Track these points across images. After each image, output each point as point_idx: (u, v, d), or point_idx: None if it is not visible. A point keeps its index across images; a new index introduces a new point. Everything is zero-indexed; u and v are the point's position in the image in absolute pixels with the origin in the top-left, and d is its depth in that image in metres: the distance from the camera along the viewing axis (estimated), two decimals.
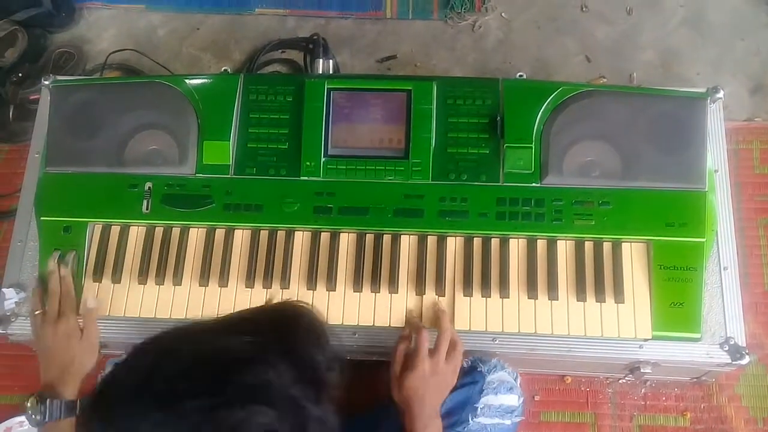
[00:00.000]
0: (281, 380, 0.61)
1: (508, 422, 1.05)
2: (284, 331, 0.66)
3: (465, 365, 1.10)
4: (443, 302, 1.13)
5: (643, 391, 1.33)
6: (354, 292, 1.15)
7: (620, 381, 1.32)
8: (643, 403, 1.33)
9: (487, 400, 1.04)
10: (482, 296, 1.13)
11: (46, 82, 1.30)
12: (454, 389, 1.05)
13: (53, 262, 1.15)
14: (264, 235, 1.19)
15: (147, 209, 1.20)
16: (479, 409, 1.03)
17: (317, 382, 0.65)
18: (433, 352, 1.02)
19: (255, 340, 0.64)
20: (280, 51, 1.69)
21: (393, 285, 1.14)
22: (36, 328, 1.09)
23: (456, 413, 1.04)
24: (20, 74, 1.64)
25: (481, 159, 1.18)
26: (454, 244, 1.17)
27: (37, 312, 1.10)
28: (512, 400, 1.05)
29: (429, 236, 1.17)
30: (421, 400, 0.98)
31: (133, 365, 0.65)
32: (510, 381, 1.07)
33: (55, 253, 1.17)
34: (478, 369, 1.08)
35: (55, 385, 1.01)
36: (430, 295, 1.14)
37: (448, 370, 1.02)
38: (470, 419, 1.03)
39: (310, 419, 0.62)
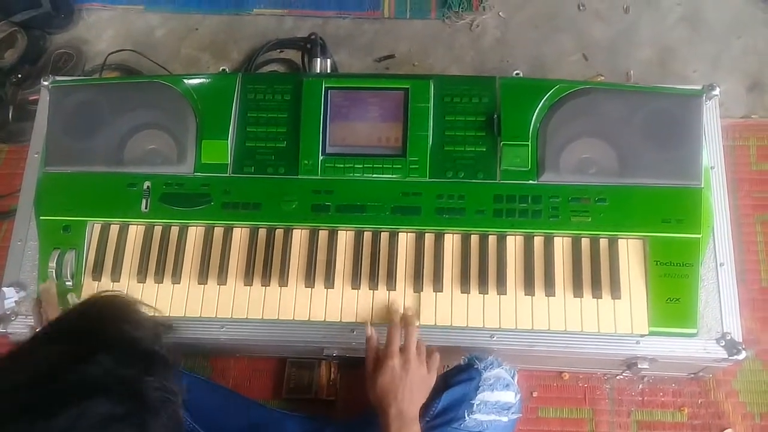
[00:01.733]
0: (102, 368, 0.61)
1: (504, 419, 1.04)
2: (91, 322, 0.66)
3: (462, 362, 1.11)
4: (441, 299, 1.14)
5: (640, 387, 1.33)
6: (352, 289, 1.15)
7: (618, 377, 1.32)
8: (640, 398, 1.33)
9: (484, 396, 1.04)
10: (479, 293, 1.14)
11: (46, 83, 1.30)
12: (450, 386, 1.05)
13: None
14: (262, 233, 1.19)
15: (146, 208, 1.20)
16: (475, 405, 1.03)
17: (144, 355, 0.65)
18: (402, 348, 1.02)
19: (64, 344, 0.64)
20: (278, 51, 1.69)
21: (391, 282, 1.15)
22: None
23: (452, 410, 1.04)
24: (20, 75, 1.65)
25: (478, 157, 1.19)
26: (451, 241, 1.17)
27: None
28: (509, 396, 1.05)
29: (426, 234, 1.18)
30: (394, 400, 0.97)
31: None
32: (507, 378, 1.07)
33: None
34: (475, 366, 1.08)
35: None
36: (427, 292, 1.14)
37: (421, 367, 1.02)
38: (466, 416, 1.03)
39: (147, 390, 0.62)
